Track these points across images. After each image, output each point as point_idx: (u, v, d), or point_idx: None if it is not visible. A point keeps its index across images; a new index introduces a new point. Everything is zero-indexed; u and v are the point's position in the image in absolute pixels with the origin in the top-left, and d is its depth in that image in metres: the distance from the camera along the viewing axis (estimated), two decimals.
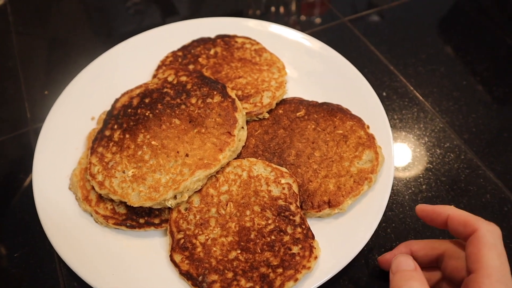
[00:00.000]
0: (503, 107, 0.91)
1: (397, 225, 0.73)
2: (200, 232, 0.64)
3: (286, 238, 0.62)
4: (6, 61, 1.05)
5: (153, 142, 0.71)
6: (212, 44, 0.90)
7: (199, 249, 0.62)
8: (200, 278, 0.60)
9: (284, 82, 0.82)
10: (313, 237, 0.62)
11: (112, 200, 0.69)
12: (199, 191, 0.68)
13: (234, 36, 0.92)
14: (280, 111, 0.79)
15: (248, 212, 0.65)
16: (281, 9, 1.19)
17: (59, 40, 1.12)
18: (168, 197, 0.64)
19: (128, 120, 0.75)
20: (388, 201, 0.67)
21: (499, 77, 0.97)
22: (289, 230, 0.63)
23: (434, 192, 0.77)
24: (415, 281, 0.48)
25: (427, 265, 0.58)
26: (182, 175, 0.66)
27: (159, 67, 0.88)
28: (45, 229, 0.66)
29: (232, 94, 0.76)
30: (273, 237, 0.62)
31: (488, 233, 0.48)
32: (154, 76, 0.86)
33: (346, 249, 0.63)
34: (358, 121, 0.75)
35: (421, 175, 0.80)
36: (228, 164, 0.70)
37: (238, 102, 0.75)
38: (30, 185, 0.71)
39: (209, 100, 0.75)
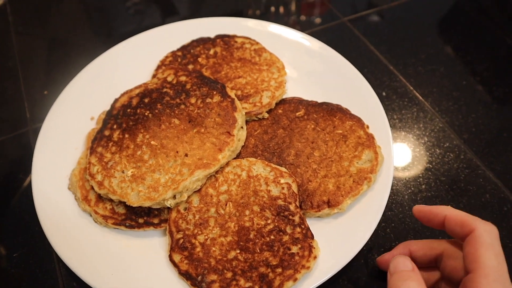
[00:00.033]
0: (503, 107, 0.91)
1: (396, 225, 0.73)
2: (199, 232, 0.64)
3: (285, 238, 0.62)
4: (5, 61, 1.05)
5: (152, 142, 0.71)
6: (212, 44, 0.90)
7: (198, 249, 0.62)
8: (199, 278, 0.59)
9: (283, 82, 0.82)
10: (312, 237, 0.62)
11: (111, 200, 0.69)
12: (199, 191, 0.68)
13: (234, 36, 0.92)
14: (280, 111, 0.79)
15: (247, 212, 0.65)
16: (281, 9, 1.19)
17: (59, 40, 1.12)
18: (167, 197, 0.64)
19: (127, 120, 0.75)
20: (388, 201, 0.67)
21: (499, 77, 0.97)
22: (288, 230, 0.63)
23: (434, 192, 0.77)
24: (412, 281, 0.49)
25: (426, 265, 0.58)
26: (181, 175, 0.66)
27: (158, 67, 0.88)
28: (44, 229, 0.66)
29: (232, 94, 0.76)
30: (272, 237, 0.62)
31: (485, 233, 0.48)
32: (154, 76, 0.86)
33: (346, 249, 0.63)
34: (358, 121, 0.75)
35: (420, 175, 0.80)
36: (227, 164, 0.70)
37: (237, 102, 0.75)
38: (30, 185, 0.71)
39: (208, 100, 0.75)
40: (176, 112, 0.74)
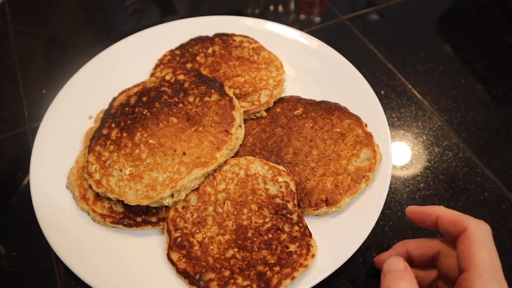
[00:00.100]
0: (502, 105, 0.91)
1: (394, 223, 0.73)
2: (197, 231, 0.64)
3: (283, 236, 0.62)
4: (4, 60, 1.05)
5: (150, 141, 0.71)
6: (210, 42, 0.90)
7: (196, 248, 0.62)
8: (197, 276, 0.59)
9: (282, 81, 0.82)
10: (310, 235, 0.62)
11: (109, 199, 0.69)
12: (197, 189, 0.68)
13: (232, 35, 0.92)
14: (278, 110, 0.79)
15: (245, 211, 0.65)
16: (280, 8, 1.18)
17: (57, 39, 1.12)
18: (165, 196, 0.64)
19: (125, 119, 0.75)
20: (386, 199, 0.67)
21: (498, 76, 0.97)
22: (286, 228, 0.63)
23: (432, 190, 0.77)
24: (404, 281, 0.49)
25: (424, 264, 0.58)
26: (179, 174, 0.66)
27: (157, 66, 0.88)
28: (43, 228, 0.66)
29: (230, 92, 0.76)
30: (270, 235, 0.62)
31: (477, 231, 0.49)
32: (152, 74, 0.86)
33: (344, 247, 0.63)
34: (356, 119, 0.75)
35: (419, 173, 0.79)
36: (225, 162, 0.70)
37: (235, 101, 0.75)
38: (28, 184, 0.71)
39: (206, 98, 0.75)
40: (174, 110, 0.74)
